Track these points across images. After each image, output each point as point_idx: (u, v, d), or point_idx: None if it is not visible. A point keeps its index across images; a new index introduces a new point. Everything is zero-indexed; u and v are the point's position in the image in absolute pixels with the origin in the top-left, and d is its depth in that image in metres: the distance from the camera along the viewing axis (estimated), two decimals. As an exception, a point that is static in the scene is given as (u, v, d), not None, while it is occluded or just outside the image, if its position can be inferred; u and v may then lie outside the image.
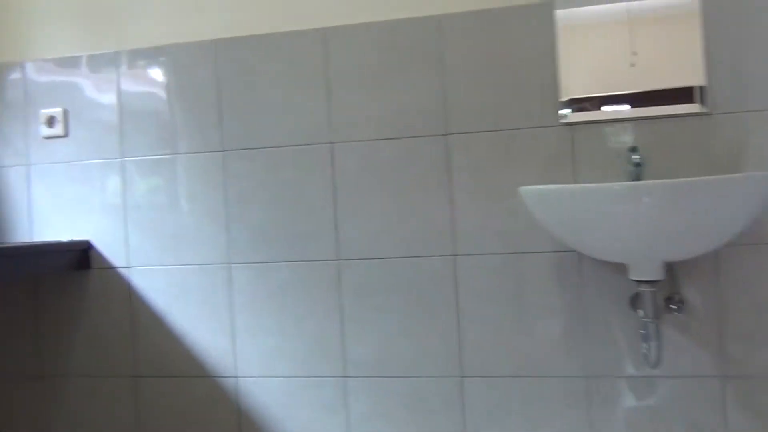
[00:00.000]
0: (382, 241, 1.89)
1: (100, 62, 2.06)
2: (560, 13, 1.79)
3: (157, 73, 2.03)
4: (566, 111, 1.78)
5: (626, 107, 1.75)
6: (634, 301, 1.75)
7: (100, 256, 2.05)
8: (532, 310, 1.81)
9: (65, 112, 2.07)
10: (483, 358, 1.84)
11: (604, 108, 1.76)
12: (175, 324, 2.01)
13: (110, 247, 2.05)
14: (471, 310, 1.85)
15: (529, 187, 1.62)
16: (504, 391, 1.83)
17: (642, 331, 1.67)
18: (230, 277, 1.98)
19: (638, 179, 1.70)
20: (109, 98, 2.05)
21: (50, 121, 2.07)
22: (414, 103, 1.87)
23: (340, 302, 1.92)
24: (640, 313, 1.65)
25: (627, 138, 1.75)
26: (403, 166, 1.88)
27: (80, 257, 2.04)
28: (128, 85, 2.05)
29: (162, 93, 2.03)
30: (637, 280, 1.61)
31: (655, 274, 1.58)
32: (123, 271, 2.04)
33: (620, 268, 1.74)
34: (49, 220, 2.08)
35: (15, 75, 2.10)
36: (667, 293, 1.73)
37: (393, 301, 1.89)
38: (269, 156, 1.96)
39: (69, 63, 2.07)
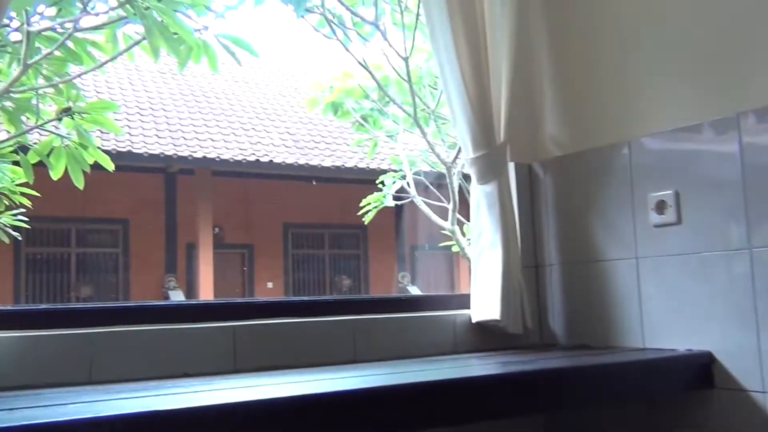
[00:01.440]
0: None
1: (718, 129, 1.65)
2: None
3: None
4: None
5: None
6: None
7: (725, 372, 1.61)
8: None
9: (677, 195, 1.72)
10: None
11: None
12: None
13: (738, 363, 1.59)
14: None
15: None
16: None
17: None
18: None
19: None
20: (729, 172, 1.63)
21: (660, 207, 1.75)
22: None
23: None
24: None
25: None
26: None
27: (699, 373, 1.64)
28: (755, 155, 1.59)
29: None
30: None
31: None
32: (757, 396, 1.56)
33: None
34: (661, 323, 1.75)
35: (622, 156, 1.86)
36: None
37: None
38: None
39: (679, 135, 1.73)
